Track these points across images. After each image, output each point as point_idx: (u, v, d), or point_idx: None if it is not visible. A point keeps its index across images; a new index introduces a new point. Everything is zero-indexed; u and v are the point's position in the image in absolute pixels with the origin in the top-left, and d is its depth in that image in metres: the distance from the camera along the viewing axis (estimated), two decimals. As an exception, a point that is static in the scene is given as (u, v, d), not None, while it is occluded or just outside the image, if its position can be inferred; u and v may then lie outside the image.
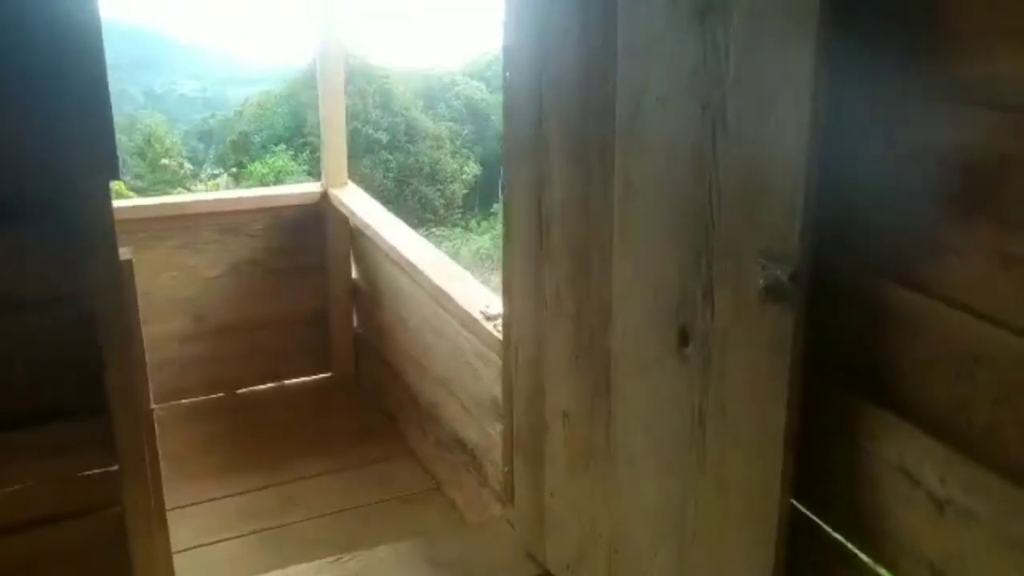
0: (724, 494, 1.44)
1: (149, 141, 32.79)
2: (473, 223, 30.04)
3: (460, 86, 47.61)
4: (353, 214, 3.25)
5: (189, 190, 22.16)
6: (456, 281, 2.61)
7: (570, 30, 1.63)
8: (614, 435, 1.68)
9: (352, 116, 22.75)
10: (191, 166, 25.08)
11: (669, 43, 1.38)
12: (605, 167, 1.58)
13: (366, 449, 3.14)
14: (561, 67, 1.68)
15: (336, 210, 3.37)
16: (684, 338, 1.46)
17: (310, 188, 3.52)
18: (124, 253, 1.66)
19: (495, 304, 2.28)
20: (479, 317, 2.31)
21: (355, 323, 3.65)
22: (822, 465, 1.34)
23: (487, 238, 23.94)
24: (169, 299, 3.29)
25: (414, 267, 2.76)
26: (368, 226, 3.14)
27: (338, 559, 2.02)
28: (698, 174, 1.36)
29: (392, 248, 2.95)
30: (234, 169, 21.63)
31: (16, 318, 1.58)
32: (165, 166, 26.73)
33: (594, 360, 1.70)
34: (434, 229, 18.54)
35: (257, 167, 16.72)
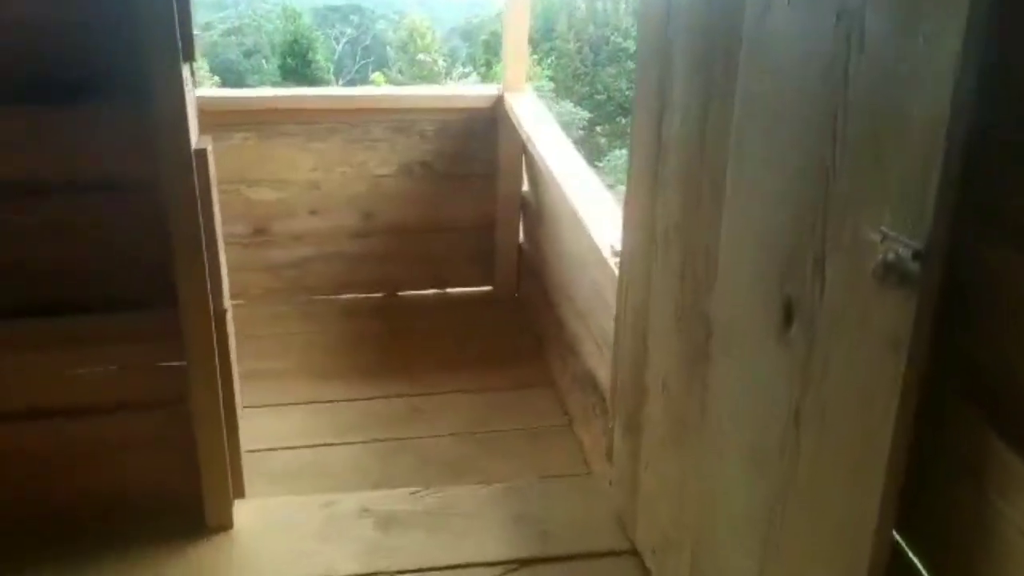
0: (815, 511, 1.13)
1: (412, 36, 34.38)
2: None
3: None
4: (521, 123, 3.04)
5: (443, 83, 23.02)
6: (598, 207, 2.34)
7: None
8: (708, 417, 1.39)
9: (601, 22, 22.19)
10: (444, 63, 25.91)
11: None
12: (728, 78, 1.23)
13: (510, 371, 3.00)
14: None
15: (508, 117, 3.17)
16: (788, 316, 1.13)
17: (485, 90, 3.34)
18: (200, 142, 1.58)
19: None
20: (607, 252, 2.05)
21: (521, 238, 3.49)
22: (935, 500, 0.99)
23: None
24: (339, 194, 3.30)
25: (559, 188, 2.52)
26: (529, 138, 2.92)
27: (416, 492, 1.92)
28: (824, 101, 1.00)
29: (546, 165, 2.71)
30: (483, 68, 22.01)
31: (90, 199, 1.56)
32: (421, 61, 27.88)
33: (695, 324, 1.40)
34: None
35: (500, 68, 16.81)
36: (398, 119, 3.23)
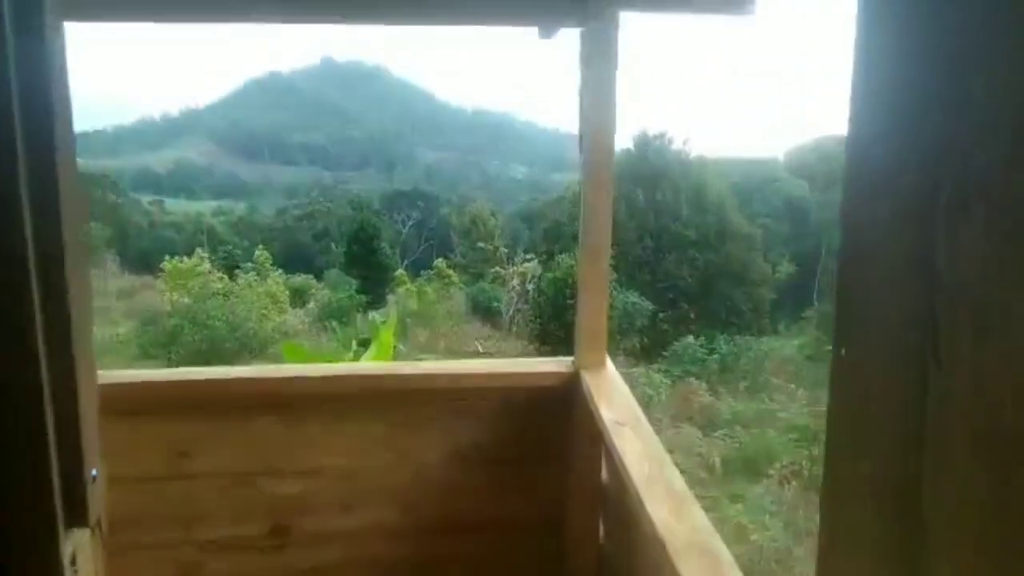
0: None
1: (474, 222, 35.34)
2: (781, 327, 27.93)
3: (780, 182, 45.71)
4: (599, 408, 2.46)
5: (503, 270, 23.13)
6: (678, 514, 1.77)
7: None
8: None
9: (661, 211, 22.26)
10: (505, 249, 26.17)
11: None
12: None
13: None
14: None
15: (585, 398, 2.60)
16: None
17: (556, 366, 2.79)
18: None
19: None
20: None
21: (600, 536, 2.82)
22: None
23: (794, 344, 21.94)
24: (377, 485, 2.73)
25: (636, 489, 1.95)
26: (607, 428, 2.33)
27: None
28: None
29: (622, 460, 2.14)
30: (544, 256, 22.11)
31: None
32: (482, 249, 28.32)
33: None
34: (737, 336, 17.13)
35: (564, 258, 16.70)
36: (451, 397, 2.71)
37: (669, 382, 12.89)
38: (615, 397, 2.47)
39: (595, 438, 2.59)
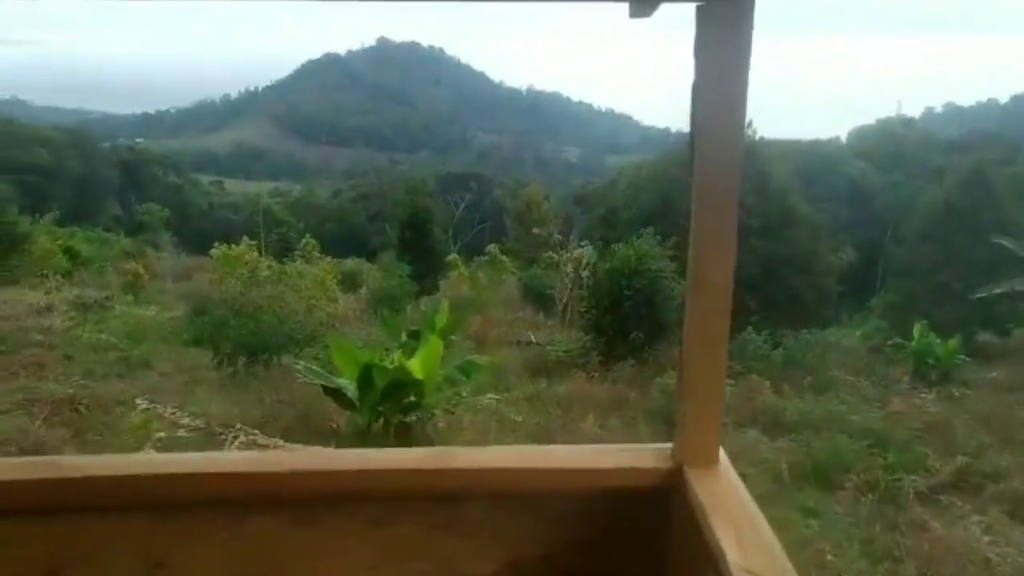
0: None
1: (528, 207, 34.85)
2: (843, 316, 26.83)
3: (846, 165, 44.29)
4: (709, 519, 1.68)
5: (557, 257, 22.61)
6: None
7: None
8: None
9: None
10: (559, 236, 25.59)
11: None
12: None
13: None
14: None
15: (692, 511, 1.82)
16: None
17: (649, 459, 2.02)
18: None
19: None
20: None
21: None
22: None
23: (856, 335, 21.01)
24: None
25: None
26: (719, 545, 1.61)
27: None
28: None
29: None
30: (599, 243, 21.56)
31: None
32: (535, 235, 27.82)
33: None
34: (803, 330, 16.37)
35: (621, 248, 16.10)
36: (506, 494, 1.97)
37: (731, 380, 12.30)
38: (743, 524, 1.63)
39: (703, 547, 1.80)
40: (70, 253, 24.37)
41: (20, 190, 33.13)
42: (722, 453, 1.79)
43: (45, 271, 18.77)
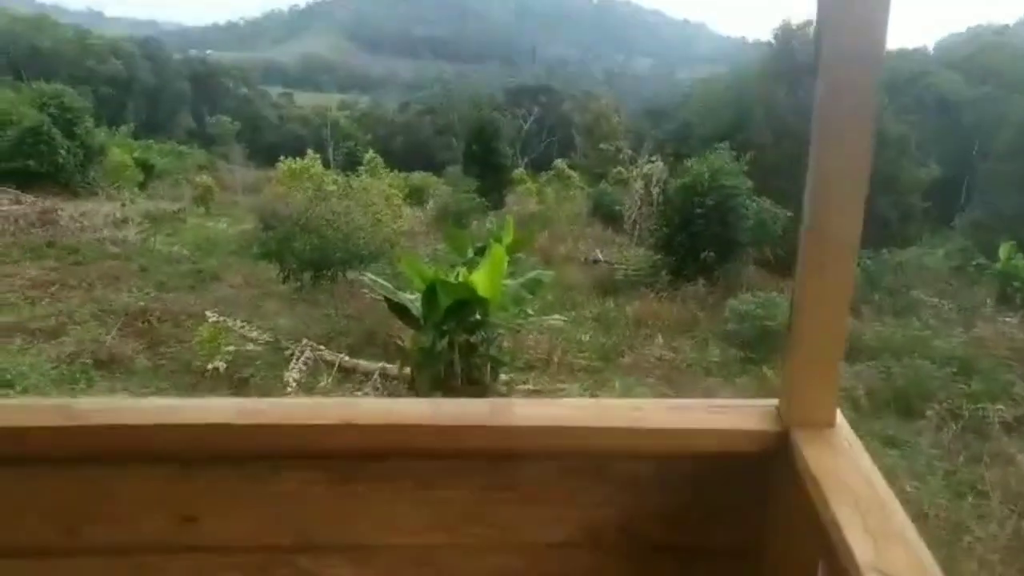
0: None
1: (597, 120, 33.95)
2: (925, 234, 25.69)
3: (932, 76, 41.71)
4: (823, 488, 1.37)
5: (627, 172, 22.04)
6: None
7: None
8: None
9: (804, 111, 20.28)
10: (630, 151, 24.88)
11: None
12: None
13: None
14: None
15: (797, 471, 1.51)
16: None
17: (750, 417, 1.71)
18: None
19: None
20: None
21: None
22: None
23: (939, 254, 20.15)
24: (468, 572, 1.76)
25: None
26: (835, 518, 1.30)
27: None
28: None
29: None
30: (671, 158, 20.85)
31: None
32: (604, 150, 27.10)
33: None
34: (883, 250, 15.65)
35: (694, 163, 15.50)
36: (575, 456, 1.68)
37: (807, 302, 11.85)
38: (870, 506, 1.38)
39: (812, 529, 1.49)
40: (144, 165, 24.78)
41: (97, 102, 33.64)
42: (839, 416, 1.49)
43: (120, 183, 19.12)
